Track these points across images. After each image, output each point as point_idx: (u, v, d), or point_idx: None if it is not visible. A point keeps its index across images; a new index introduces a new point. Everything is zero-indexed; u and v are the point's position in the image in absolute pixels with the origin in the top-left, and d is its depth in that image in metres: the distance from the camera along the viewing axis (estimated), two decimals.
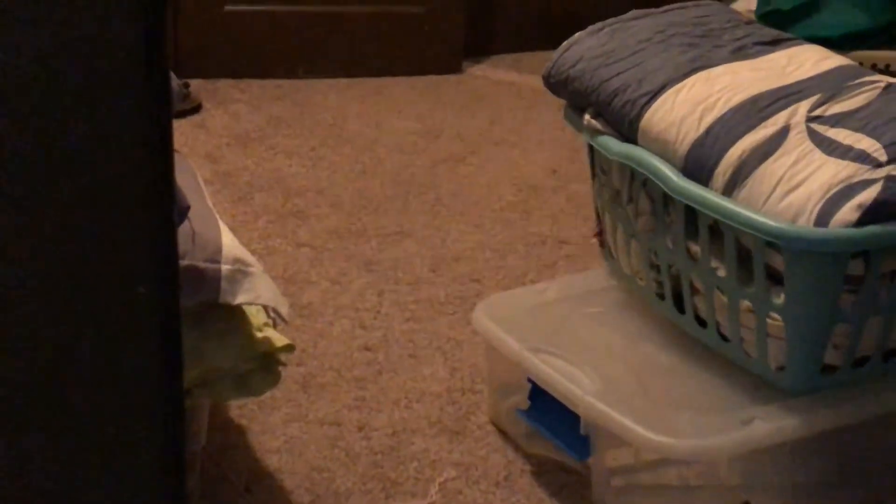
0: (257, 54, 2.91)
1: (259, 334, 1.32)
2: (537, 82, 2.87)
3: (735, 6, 2.67)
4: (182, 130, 2.53)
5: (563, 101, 1.61)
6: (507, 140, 2.63)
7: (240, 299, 1.27)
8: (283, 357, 1.35)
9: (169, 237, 0.63)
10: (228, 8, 2.87)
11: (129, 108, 0.58)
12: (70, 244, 0.60)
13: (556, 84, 1.59)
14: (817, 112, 1.39)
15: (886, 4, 2.16)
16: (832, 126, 1.36)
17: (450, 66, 3.02)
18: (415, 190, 2.36)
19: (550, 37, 3.07)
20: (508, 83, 2.98)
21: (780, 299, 1.35)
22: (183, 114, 2.57)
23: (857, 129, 1.35)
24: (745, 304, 1.38)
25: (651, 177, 1.43)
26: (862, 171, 1.30)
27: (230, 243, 1.29)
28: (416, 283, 2.02)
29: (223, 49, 2.89)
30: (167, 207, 0.61)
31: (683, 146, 1.41)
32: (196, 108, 2.67)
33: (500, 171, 2.46)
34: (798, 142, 1.35)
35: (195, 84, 2.72)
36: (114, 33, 0.56)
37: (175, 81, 1.29)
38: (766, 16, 2.28)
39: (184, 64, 2.77)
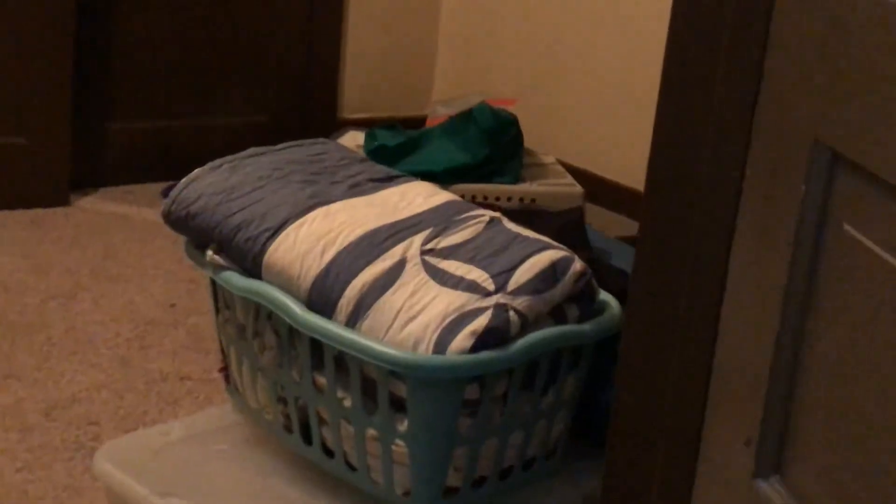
0: None
1: None
2: (150, 214, 2.85)
3: (343, 141, 2.78)
4: None
5: (181, 236, 1.60)
6: (122, 274, 2.56)
7: None
8: None
9: None
10: None
11: None
12: None
13: (177, 220, 1.58)
14: (430, 245, 1.46)
15: (482, 142, 2.33)
16: (444, 258, 1.44)
17: (56, 198, 2.91)
18: (23, 330, 2.24)
19: (163, 168, 3.07)
20: (120, 215, 2.92)
21: (403, 426, 1.39)
22: None
23: (467, 261, 1.43)
24: (371, 432, 1.42)
25: (276, 311, 1.45)
26: (473, 300, 1.38)
27: None
28: (27, 430, 1.90)
29: None
30: None
31: (307, 280, 1.44)
32: None
33: (115, 307, 2.39)
34: (414, 273, 1.42)
35: None
36: None
37: None
38: (374, 152, 2.38)
39: None
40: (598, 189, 2.95)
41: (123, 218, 2.91)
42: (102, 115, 3.09)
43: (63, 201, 2.92)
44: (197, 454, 1.59)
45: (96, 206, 2.97)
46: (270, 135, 2.23)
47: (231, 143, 1.94)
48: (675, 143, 1.01)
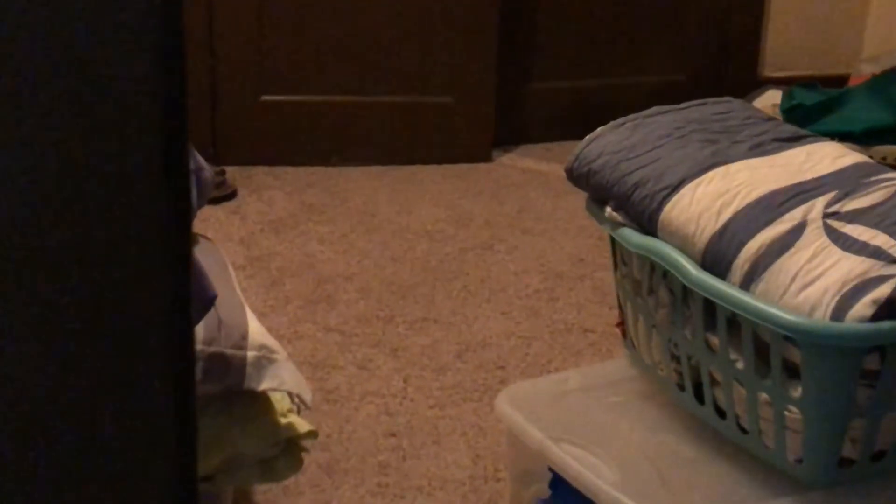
0: (291, 142, 2.98)
1: (283, 420, 1.35)
2: None
3: (761, 100, 2.72)
4: (216, 216, 2.59)
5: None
6: (535, 228, 2.66)
7: (264, 385, 1.30)
8: (307, 442, 1.38)
9: (187, 339, 0.66)
10: (264, 98, 2.95)
11: (146, 214, 0.61)
12: (86, 340, 0.64)
13: (579, 177, 1.63)
14: (834, 208, 1.41)
15: None
16: (848, 222, 1.39)
17: (479, 154, 3.07)
18: (443, 276, 2.40)
19: (581, 127, 3.13)
20: (538, 172, 3.03)
21: (797, 392, 1.36)
22: (218, 200, 2.64)
23: (872, 226, 1.37)
24: (764, 396, 1.40)
25: (670, 269, 1.46)
26: (877, 267, 1.32)
27: (256, 330, 1.33)
28: (441, 370, 2.04)
29: (259, 137, 2.96)
30: (184, 315, 0.64)
31: (702, 240, 1.43)
32: (231, 195, 2.74)
33: (527, 259, 2.50)
34: (815, 237, 1.38)
35: (231, 171, 2.79)
36: (132, 149, 0.60)
37: (209, 169, 1.34)
38: (791, 111, 2.32)
39: (221, 152, 2.84)
40: None
41: (541, 174, 3.02)
42: (524, 76, 3.22)
43: (486, 157, 3.08)
44: (592, 404, 1.64)
45: (516, 162, 3.11)
46: (687, 93, 2.21)
47: (648, 103, 1.95)
48: None
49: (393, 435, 1.84)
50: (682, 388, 1.54)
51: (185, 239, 0.63)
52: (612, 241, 1.62)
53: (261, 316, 1.47)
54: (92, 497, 0.70)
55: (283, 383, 1.31)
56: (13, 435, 0.67)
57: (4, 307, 0.63)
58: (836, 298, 1.31)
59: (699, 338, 1.46)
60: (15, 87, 0.60)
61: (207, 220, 2.52)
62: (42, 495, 0.69)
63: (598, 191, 1.59)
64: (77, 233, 0.62)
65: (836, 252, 1.35)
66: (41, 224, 0.62)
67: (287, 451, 1.37)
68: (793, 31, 3.36)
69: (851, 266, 1.33)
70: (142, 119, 0.60)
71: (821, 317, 1.31)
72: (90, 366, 0.64)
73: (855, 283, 1.31)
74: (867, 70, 2.53)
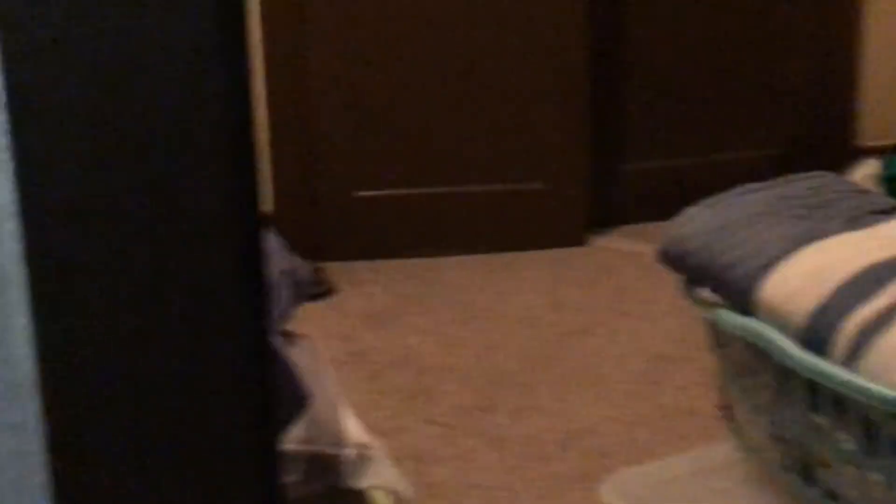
0: (386, 236, 3.01)
1: None
2: None
3: (861, 170, 2.67)
4: (316, 313, 2.61)
5: None
6: (634, 311, 2.64)
7: (364, 483, 1.30)
8: None
9: (272, 447, 0.67)
10: (358, 194, 3.00)
11: (224, 323, 0.63)
12: (166, 453, 0.65)
13: (672, 259, 1.62)
14: None
15: None
16: None
17: (573, 239, 3.06)
18: (542, 364, 2.38)
19: (676, 206, 3.12)
20: (634, 253, 3.01)
21: None
22: (317, 297, 2.67)
23: None
24: (875, 476, 1.36)
25: (770, 350, 1.44)
26: None
27: (354, 427, 1.34)
28: (545, 459, 2.02)
29: (355, 232, 3.00)
30: (269, 421, 0.65)
31: (801, 318, 1.41)
32: (329, 291, 2.77)
33: (627, 343, 2.47)
34: None
35: (330, 267, 2.83)
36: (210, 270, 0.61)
37: (306, 267, 1.36)
38: (891, 180, 2.28)
39: (319, 248, 2.89)
40: None
41: (637, 256, 2.99)
42: (616, 157, 3.22)
43: (580, 241, 3.07)
44: (698, 491, 1.61)
45: (611, 244, 3.09)
46: (784, 167, 2.19)
47: (743, 179, 1.94)
48: None
49: None
50: (788, 470, 1.50)
51: (263, 347, 0.65)
52: (710, 323, 1.60)
53: (361, 410, 1.47)
54: None
55: (381, 480, 1.31)
56: None
57: (94, 431, 0.65)
58: None
59: (804, 418, 1.42)
60: (103, 205, 0.63)
61: (307, 318, 2.55)
62: None
63: (693, 272, 1.58)
64: (156, 342, 0.64)
65: None
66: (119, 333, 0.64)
67: None
68: (888, 98, 3.30)
69: None
70: (217, 234, 0.62)
71: None
72: (173, 477, 0.65)
73: None
74: None
